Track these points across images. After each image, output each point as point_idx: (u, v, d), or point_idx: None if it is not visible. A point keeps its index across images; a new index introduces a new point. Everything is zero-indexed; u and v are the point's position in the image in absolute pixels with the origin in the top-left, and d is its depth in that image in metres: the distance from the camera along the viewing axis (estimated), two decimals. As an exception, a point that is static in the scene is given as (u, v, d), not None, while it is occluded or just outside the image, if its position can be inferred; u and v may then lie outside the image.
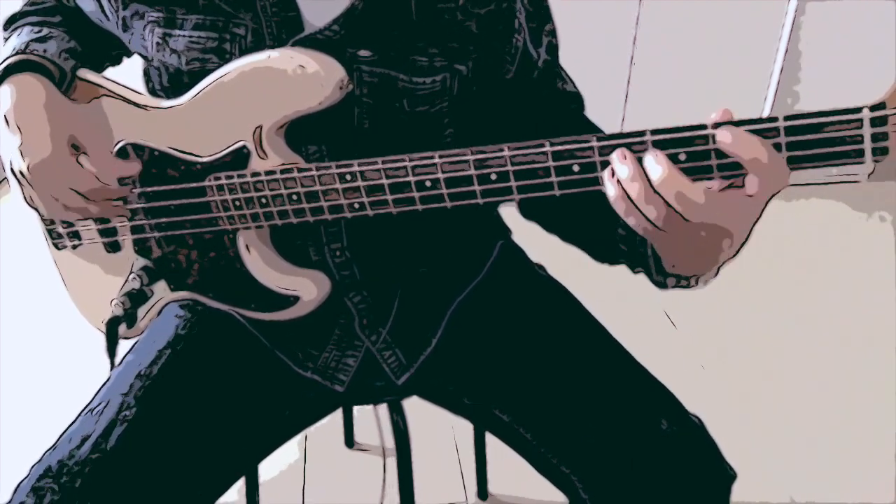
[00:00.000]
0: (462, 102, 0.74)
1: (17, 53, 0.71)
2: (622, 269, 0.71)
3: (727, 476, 0.75)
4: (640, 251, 0.65)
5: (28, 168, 0.68)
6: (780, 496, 1.34)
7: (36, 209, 0.73)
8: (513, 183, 0.59)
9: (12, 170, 0.70)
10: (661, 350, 1.61)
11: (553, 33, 0.77)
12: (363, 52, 0.68)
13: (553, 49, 0.77)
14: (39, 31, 0.74)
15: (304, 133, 0.69)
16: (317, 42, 0.67)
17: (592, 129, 0.77)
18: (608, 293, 0.97)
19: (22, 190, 0.71)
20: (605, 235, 0.69)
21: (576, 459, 0.75)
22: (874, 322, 1.81)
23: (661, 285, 0.65)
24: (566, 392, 0.77)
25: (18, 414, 1.59)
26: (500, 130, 0.78)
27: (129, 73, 0.81)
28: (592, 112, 0.79)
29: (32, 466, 0.72)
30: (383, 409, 0.98)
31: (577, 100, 0.79)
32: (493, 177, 0.59)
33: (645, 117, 2.31)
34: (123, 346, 0.77)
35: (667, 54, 2.28)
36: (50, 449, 0.72)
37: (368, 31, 0.68)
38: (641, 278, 0.67)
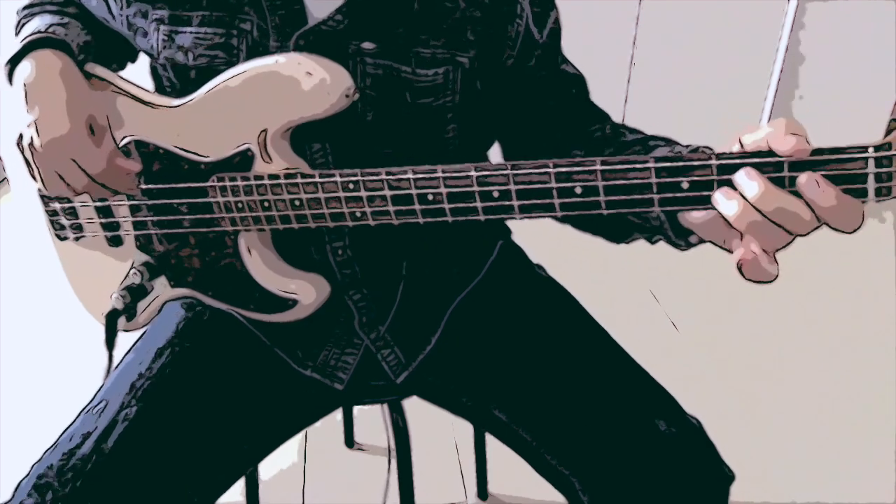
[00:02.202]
0: (465, 98, 0.74)
1: (38, 32, 0.71)
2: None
3: (725, 477, 0.75)
4: (652, 219, 0.64)
5: (42, 142, 0.67)
6: (780, 496, 1.34)
7: (40, 185, 0.73)
8: (515, 202, 0.59)
9: (21, 144, 0.70)
10: (661, 351, 1.61)
11: (557, 21, 0.77)
12: (367, 45, 0.69)
13: (556, 33, 0.77)
14: (62, 19, 0.74)
15: (307, 130, 0.70)
16: (321, 33, 0.67)
17: (596, 113, 0.77)
18: (608, 294, 0.97)
19: (27, 164, 0.71)
20: (616, 215, 0.69)
21: (574, 460, 0.76)
22: (874, 322, 1.81)
23: (686, 246, 0.64)
24: (565, 392, 0.77)
25: (19, 413, 1.59)
26: (502, 124, 0.79)
27: (136, 71, 0.81)
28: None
29: (33, 465, 0.72)
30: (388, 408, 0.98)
31: (578, 83, 0.79)
32: (496, 194, 0.59)
33: (645, 118, 2.31)
34: (123, 340, 0.76)
35: (667, 54, 2.28)
36: (50, 448, 0.72)
37: (371, 20, 0.68)
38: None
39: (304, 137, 0.70)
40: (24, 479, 0.71)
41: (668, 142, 0.67)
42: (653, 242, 0.69)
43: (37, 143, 0.67)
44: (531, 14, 0.73)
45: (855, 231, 0.51)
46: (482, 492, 1.35)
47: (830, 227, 0.51)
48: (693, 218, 0.57)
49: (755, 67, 2.33)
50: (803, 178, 0.50)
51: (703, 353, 1.72)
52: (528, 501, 1.33)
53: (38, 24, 0.73)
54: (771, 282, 0.54)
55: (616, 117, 0.78)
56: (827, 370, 1.66)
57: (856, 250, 2.09)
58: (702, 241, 0.61)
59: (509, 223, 0.94)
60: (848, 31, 2.27)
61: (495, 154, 0.84)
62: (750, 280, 0.54)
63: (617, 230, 0.71)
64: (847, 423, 1.51)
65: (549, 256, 0.95)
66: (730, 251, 0.56)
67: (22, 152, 0.70)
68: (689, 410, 0.77)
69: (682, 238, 0.63)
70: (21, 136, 0.69)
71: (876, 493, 1.35)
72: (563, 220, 0.76)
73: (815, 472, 1.39)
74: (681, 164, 0.54)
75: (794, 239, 0.53)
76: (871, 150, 0.49)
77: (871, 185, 0.50)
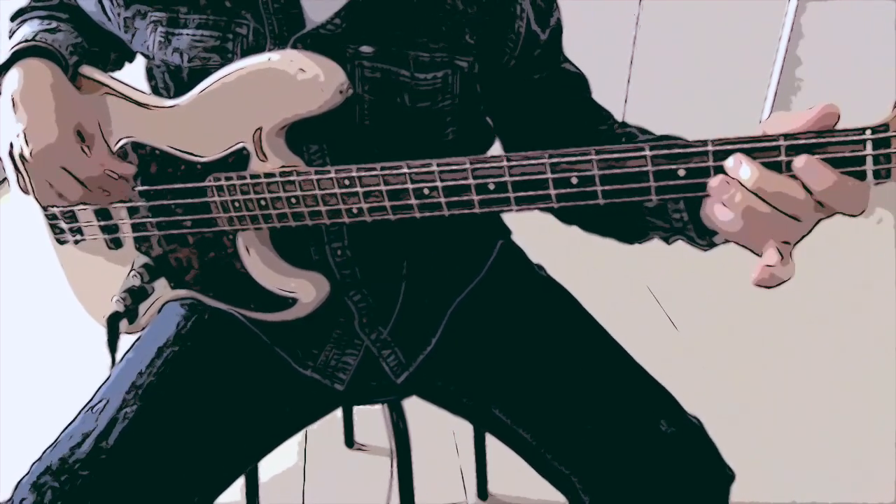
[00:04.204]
0: (464, 102, 0.74)
1: (25, 41, 0.71)
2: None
3: (726, 477, 0.75)
4: (674, 220, 0.63)
5: (31, 152, 0.67)
6: (780, 497, 1.34)
7: (32, 196, 0.73)
8: (510, 194, 0.59)
9: (11, 154, 0.70)
10: (661, 350, 1.61)
11: (559, 20, 0.77)
12: (365, 49, 0.68)
13: (557, 33, 0.77)
14: (49, 24, 0.74)
15: (305, 132, 0.70)
16: (319, 37, 0.67)
17: (600, 112, 0.77)
18: (608, 294, 0.97)
19: (18, 175, 0.71)
20: (630, 216, 0.68)
21: (575, 460, 0.76)
22: (874, 322, 1.81)
23: (709, 246, 0.63)
24: (566, 392, 0.77)
25: (19, 412, 1.59)
26: (505, 125, 0.79)
27: (131, 72, 0.81)
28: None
29: (33, 464, 0.72)
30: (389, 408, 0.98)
31: (580, 82, 0.79)
32: (491, 186, 0.59)
33: (645, 118, 2.31)
34: (125, 342, 0.77)
35: (667, 54, 2.28)
36: (50, 447, 0.73)
37: (370, 24, 0.68)
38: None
39: (301, 138, 0.70)
40: (23, 477, 0.71)
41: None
42: (670, 243, 0.68)
43: (26, 152, 0.67)
44: (532, 13, 0.73)
45: (861, 213, 0.50)
46: (482, 492, 1.35)
47: (836, 210, 0.50)
48: (717, 221, 0.56)
49: (755, 67, 2.33)
50: (799, 162, 0.50)
51: (703, 352, 1.72)
52: (528, 501, 1.33)
53: (26, 31, 0.73)
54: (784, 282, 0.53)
55: (616, 117, 0.78)
56: (827, 370, 1.66)
57: (856, 250, 2.09)
58: (727, 240, 0.60)
59: (509, 223, 0.94)
60: (848, 31, 2.27)
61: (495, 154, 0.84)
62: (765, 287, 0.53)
63: (632, 230, 0.70)
64: (847, 423, 1.50)
65: (549, 256, 0.95)
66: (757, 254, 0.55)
67: (13, 163, 0.70)
68: (690, 410, 0.77)
69: (705, 238, 0.62)
70: (11, 146, 0.69)
71: (876, 493, 1.35)
72: (569, 221, 0.76)
73: (815, 472, 1.39)
74: (677, 150, 0.53)
75: (807, 228, 0.52)
76: (868, 132, 0.49)
77: (869, 167, 0.49)
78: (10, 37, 0.76)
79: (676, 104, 2.31)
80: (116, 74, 0.78)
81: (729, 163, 0.52)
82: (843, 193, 0.49)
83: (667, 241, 0.68)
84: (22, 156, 0.68)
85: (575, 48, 0.82)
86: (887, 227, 2.26)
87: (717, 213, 0.54)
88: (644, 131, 0.72)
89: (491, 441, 1.05)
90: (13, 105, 0.68)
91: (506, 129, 0.80)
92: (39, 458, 0.72)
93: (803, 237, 0.53)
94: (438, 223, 0.65)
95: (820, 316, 1.85)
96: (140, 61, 0.79)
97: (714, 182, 0.53)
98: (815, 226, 0.52)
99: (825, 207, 0.51)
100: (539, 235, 1.06)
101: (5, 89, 0.69)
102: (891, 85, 2.34)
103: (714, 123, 2.29)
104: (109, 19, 0.76)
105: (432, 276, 0.84)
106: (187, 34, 0.70)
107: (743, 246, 0.55)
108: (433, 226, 0.68)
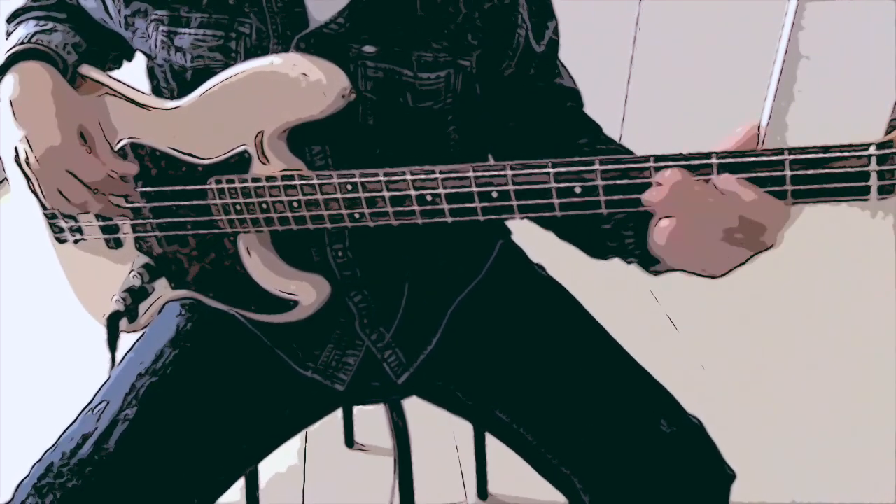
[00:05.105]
0: (466, 100, 0.74)
1: (21, 43, 0.71)
2: (622, 270, 0.71)
3: (726, 476, 0.75)
4: (626, 244, 0.65)
5: (37, 157, 0.68)
6: (780, 496, 1.34)
7: (40, 200, 0.73)
8: (514, 202, 0.59)
9: (17, 160, 0.70)
10: (661, 350, 1.61)
11: (555, 30, 0.77)
12: (368, 48, 0.68)
13: (553, 45, 0.77)
14: (45, 25, 0.74)
15: (307, 133, 0.70)
16: (322, 36, 0.67)
17: (589, 126, 0.78)
18: (608, 293, 0.97)
19: (28, 180, 0.71)
20: (594, 232, 0.69)
21: (576, 460, 0.76)
22: (874, 322, 1.81)
23: (656, 273, 0.65)
24: (566, 392, 0.77)
25: (19, 413, 1.59)
26: (500, 129, 0.79)
27: (133, 72, 0.81)
28: (592, 112, 0.79)
29: (33, 465, 0.72)
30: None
31: (574, 96, 0.79)
32: (495, 194, 0.59)
33: (645, 118, 2.32)
34: (125, 342, 0.77)
35: (667, 54, 2.28)
36: (51, 448, 0.73)
37: (373, 24, 0.68)
38: (641, 278, 0.67)
39: (303, 139, 0.70)
40: (24, 479, 0.71)
41: None
42: (628, 262, 0.69)
43: (31, 158, 0.68)
44: (530, 25, 0.73)
45: (782, 228, 0.52)
46: (482, 492, 1.35)
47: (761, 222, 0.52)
48: (657, 229, 0.57)
49: (755, 67, 2.33)
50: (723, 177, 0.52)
51: (703, 352, 1.72)
52: (528, 501, 1.33)
53: (21, 33, 0.72)
54: None
55: (616, 117, 0.78)
56: (827, 370, 1.66)
57: (856, 250, 2.09)
58: (669, 270, 0.62)
59: (509, 223, 0.94)
60: (848, 31, 2.26)
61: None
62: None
63: (596, 247, 0.71)
64: (847, 423, 1.50)
65: (549, 256, 0.95)
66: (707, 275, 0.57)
67: (20, 168, 0.70)
68: (691, 409, 0.77)
69: (649, 266, 0.64)
70: (17, 151, 0.69)
71: (876, 493, 1.35)
72: (546, 227, 0.76)
73: (815, 472, 1.39)
74: (682, 162, 0.54)
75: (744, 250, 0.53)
76: (872, 147, 0.49)
77: (873, 182, 0.49)
78: (7, 38, 0.76)
79: (676, 104, 2.30)
80: (115, 73, 0.78)
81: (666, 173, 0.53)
82: (764, 206, 0.52)
83: (625, 260, 0.69)
84: (28, 161, 0.68)
85: (575, 48, 0.82)
86: (887, 227, 2.26)
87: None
88: (621, 148, 0.73)
89: (491, 441, 1.05)
90: (13, 111, 0.68)
91: (494, 136, 0.80)
92: (40, 460, 0.72)
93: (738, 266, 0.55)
94: (439, 224, 0.65)
95: (820, 316, 1.85)
96: (140, 60, 0.79)
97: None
98: (742, 263, 0.55)
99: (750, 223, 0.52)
100: (539, 235, 1.06)
101: (4, 94, 0.69)
102: (891, 85, 2.34)
103: (714, 123, 2.28)
104: (111, 17, 0.76)
105: (433, 276, 0.84)
106: (189, 33, 0.70)
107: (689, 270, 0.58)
108: (434, 227, 0.68)
